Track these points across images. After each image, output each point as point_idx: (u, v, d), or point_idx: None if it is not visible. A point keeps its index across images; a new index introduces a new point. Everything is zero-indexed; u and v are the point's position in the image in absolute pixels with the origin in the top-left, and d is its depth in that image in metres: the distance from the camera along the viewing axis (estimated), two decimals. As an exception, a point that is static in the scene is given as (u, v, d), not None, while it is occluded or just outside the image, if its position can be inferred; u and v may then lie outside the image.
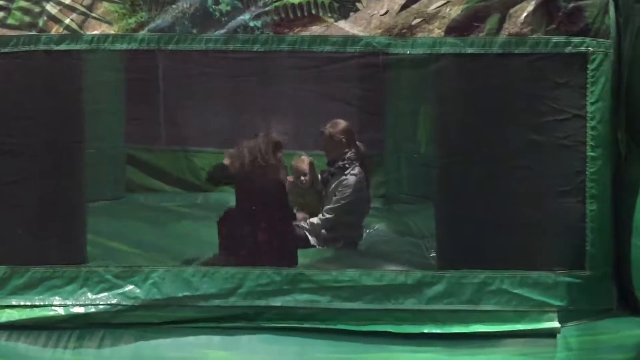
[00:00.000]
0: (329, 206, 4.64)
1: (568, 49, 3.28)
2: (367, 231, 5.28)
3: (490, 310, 3.30)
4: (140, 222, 5.31)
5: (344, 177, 4.66)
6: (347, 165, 4.67)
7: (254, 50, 3.37)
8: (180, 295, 3.35)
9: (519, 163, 3.32)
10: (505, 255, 3.34)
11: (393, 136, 6.39)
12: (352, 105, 6.44)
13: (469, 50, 3.30)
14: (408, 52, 3.35)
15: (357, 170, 4.67)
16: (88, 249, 4.26)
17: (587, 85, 3.28)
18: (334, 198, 4.65)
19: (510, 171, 3.33)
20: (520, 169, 3.32)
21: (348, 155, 4.70)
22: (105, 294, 3.36)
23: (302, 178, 4.93)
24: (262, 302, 3.35)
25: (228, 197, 6.58)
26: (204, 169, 6.71)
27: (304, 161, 5.02)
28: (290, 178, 5.01)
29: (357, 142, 4.80)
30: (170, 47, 3.36)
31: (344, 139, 4.72)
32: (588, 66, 3.27)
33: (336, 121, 4.79)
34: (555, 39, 3.27)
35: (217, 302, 3.34)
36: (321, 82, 6.51)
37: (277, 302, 3.35)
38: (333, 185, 4.68)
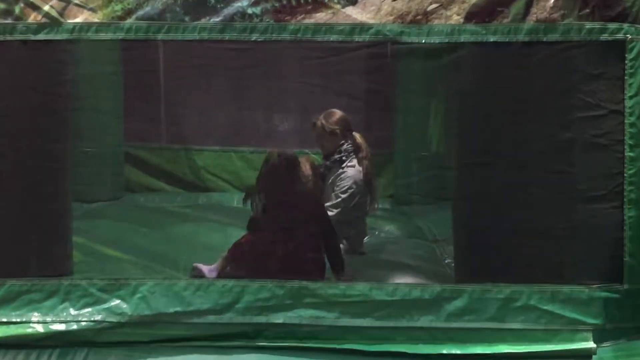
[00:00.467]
0: (328, 203, 4.23)
1: (604, 37, 2.88)
2: (377, 233, 4.91)
3: (517, 329, 2.91)
4: (137, 225, 4.94)
5: (341, 170, 4.24)
6: (344, 158, 4.26)
7: (252, 40, 2.98)
8: (171, 310, 2.97)
9: (548, 165, 2.92)
10: (533, 267, 2.95)
11: (403, 133, 6.01)
12: (359, 100, 6.10)
13: (492, 39, 2.90)
14: (423, 41, 2.95)
15: (354, 162, 4.25)
16: (78, 255, 3.96)
17: (625, 77, 2.87)
18: (333, 194, 4.24)
19: (538, 174, 2.92)
20: (549, 172, 2.92)
21: (344, 147, 4.28)
22: (89, 309, 2.98)
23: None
24: (262, 319, 2.96)
25: (230, 197, 6.25)
26: (205, 168, 6.40)
27: (304, 163, 4.60)
28: None
29: (353, 133, 4.36)
30: (160, 36, 2.97)
31: (338, 130, 4.28)
32: (626, 55, 2.87)
33: (330, 111, 4.35)
34: (589, 25, 2.88)
35: (212, 318, 2.96)
36: (326, 74, 6.18)
37: (278, 318, 2.96)
38: (330, 180, 4.27)
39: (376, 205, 4.48)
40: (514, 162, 2.93)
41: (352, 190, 4.18)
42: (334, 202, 4.20)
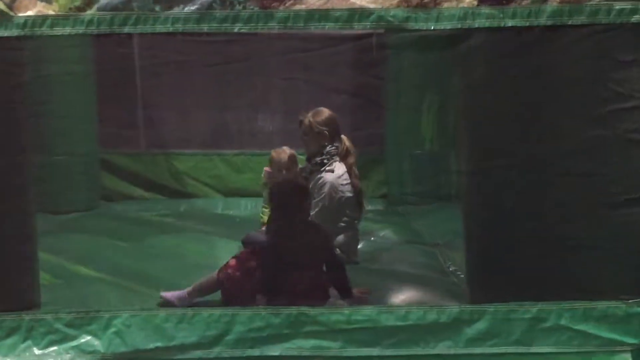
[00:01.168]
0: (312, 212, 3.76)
1: (635, 18, 2.46)
2: (371, 239, 4.48)
3: (547, 352, 2.48)
4: (113, 238, 4.46)
5: (319, 175, 3.77)
6: (325, 161, 3.78)
7: (235, 30, 2.52)
8: (150, 346, 2.50)
9: (576, 165, 2.48)
10: (562, 282, 2.52)
11: (394, 130, 5.58)
12: (348, 95, 5.66)
13: (510, 23, 2.47)
14: (432, 28, 2.51)
15: (334, 165, 3.77)
16: (47, 277, 3.49)
17: (662, 63, 2.47)
18: (314, 201, 3.73)
19: (564, 176, 2.49)
20: (577, 174, 2.48)
21: (328, 149, 3.79)
22: (55, 347, 2.51)
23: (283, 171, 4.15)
24: (255, 352, 2.51)
25: (214, 203, 5.78)
26: (186, 173, 5.93)
27: (285, 152, 4.23)
28: (267, 168, 4.25)
29: (342, 136, 3.89)
30: (127, 29, 2.49)
31: (326, 131, 3.80)
32: (662, 39, 2.46)
33: (319, 110, 3.87)
34: (619, 5, 2.44)
35: (198, 353, 2.50)
36: (312, 68, 5.72)
37: (275, 350, 2.51)
38: (311, 185, 3.78)
39: (364, 209, 4.02)
40: (535, 163, 2.49)
41: (329, 199, 3.71)
42: (314, 211, 3.67)
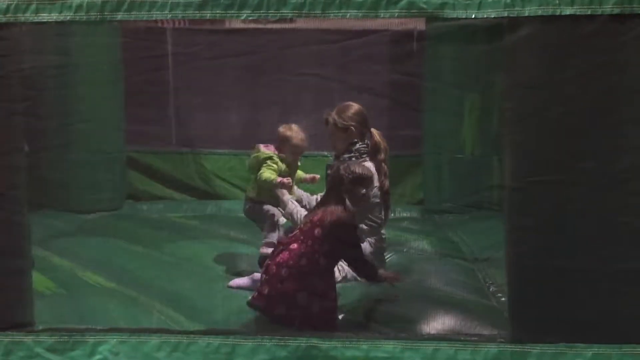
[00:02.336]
0: None
1: None
2: (404, 250, 4.04)
3: (604, 406, 2.04)
4: (131, 243, 4.15)
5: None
6: (353, 159, 3.36)
7: (242, 17, 2.14)
8: (140, 378, 2.18)
9: (645, 182, 2.04)
10: (622, 321, 2.07)
11: (433, 133, 5.13)
12: (383, 94, 5.23)
13: (567, 11, 2.02)
14: (473, 16, 2.08)
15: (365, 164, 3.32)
16: (51, 287, 3.21)
17: None
18: None
19: (631, 195, 2.04)
20: (646, 191, 2.04)
21: (357, 146, 3.40)
22: (35, 375, 2.21)
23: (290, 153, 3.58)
24: (258, 389, 2.15)
25: (241, 205, 5.43)
26: (214, 173, 5.61)
27: (300, 137, 3.61)
28: (262, 146, 3.62)
29: (372, 130, 3.46)
30: (119, 16, 2.15)
31: (353, 127, 3.40)
32: None
33: (345, 104, 3.48)
34: (703, -11, 1.98)
35: (193, 388, 2.16)
36: (343, 65, 5.31)
37: (280, 387, 2.15)
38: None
39: (390, 213, 3.58)
40: (596, 180, 2.04)
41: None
42: None
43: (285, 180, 3.44)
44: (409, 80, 4.87)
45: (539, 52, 2.08)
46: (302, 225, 2.80)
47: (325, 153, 5.41)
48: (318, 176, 3.70)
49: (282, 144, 3.59)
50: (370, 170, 3.12)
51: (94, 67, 4.87)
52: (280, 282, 2.53)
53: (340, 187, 2.80)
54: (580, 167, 2.04)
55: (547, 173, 2.08)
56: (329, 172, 3.51)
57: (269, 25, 5.84)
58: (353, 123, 3.41)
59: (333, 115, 3.44)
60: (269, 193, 3.48)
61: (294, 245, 2.63)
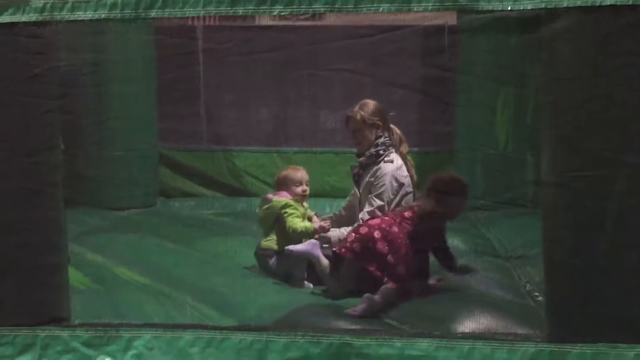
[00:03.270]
0: (366, 209, 3.33)
1: None
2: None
3: (646, 409, 1.99)
4: (164, 239, 4.18)
5: (376, 167, 3.37)
6: (380, 152, 3.39)
7: (275, 13, 2.13)
8: (174, 373, 2.19)
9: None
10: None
11: (465, 128, 5.06)
12: (414, 89, 5.19)
13: (608, 1, 1.96)
14: (509, 8, 2.04)
15: (392, 156, 3.40)
16: (86, 282, 3.25)
17: None
18: (370, 196, 3.35)
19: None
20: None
21: (382, 140, 3.42)
22: (71, 369, 2.24)
23: (297, 188, 3.45)
24: (291, 385, 2.15)
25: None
26: (245, 170, 5.63)
27: (299, 170, 3.53)
28: (270, 195, 3.51)
29: (391, 125, 3.50)
30: (153, 13, 2.16)
31: (378, 122, 3.43)
32: None
33: (365, 102, 3.51)
34: None
35: (226, 384, 2.17)
36: (375, 60, 5.27)
37: (313, 385, 2.14)
38: (366, 180, 3.39)
39: None
40: None
41: (393, 190, 3.34)
42: (371, 208, 3.32)
43: (323, 223, 3.34)
44: (442, 75, 4.82)
45: (579, 43, 2.02)
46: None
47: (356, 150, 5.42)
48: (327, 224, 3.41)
49: (286, 186, 3.48)
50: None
51: (128, 64, 4.94)
52: (371, 241, 2.83)
53: (443, 192, 3.04)
54: (623, 162, 1.98)
55: (588, 168, 2.02)
56: (354, 172, 3.54)
57: (299, 23, 5.86)
58: (377, 118, 3.44)
59: (360, 112, 3.44)
60: (297, 239, 3.28)
61: (386, 217, 3.00)
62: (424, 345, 2.11)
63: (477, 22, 3.86)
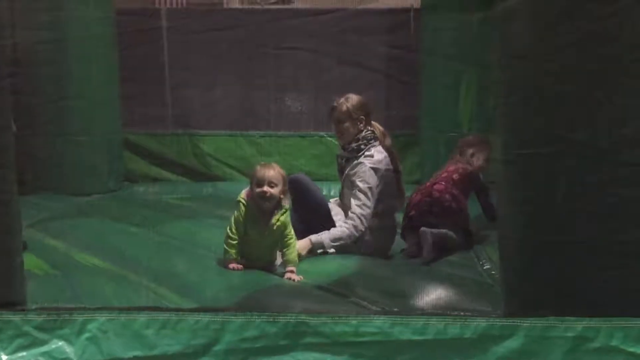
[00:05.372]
0: (355, 202, 3.38)
1: None
2: (399, 232, 4.03)
3: (593, 379, 2.03)
4: (128, 224, 4.13)
5: (357, 162, 3.43)
6: (362, 147, 3.45)
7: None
8: (129, 355, 2.15)
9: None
10: (615, 296, 2.05)
11: (429, 111, 5.08)
12: (377, 70, 5.19)
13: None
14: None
15: (373, 150, 3.44)
16: (45, 267, 3.19)
17: None
18: (353, 192, 3.41)
19: (628, 168, 2.00)
20: None
21: (363, 134, 3.48)
22: (24, 353, 2.18)
23: (267, 189, 2.95)
24: (248, 365, 2.14)
25: (237, 186, 5.41)
26: (210, 154, 5.58)
27: (274, 168, 3.04)
28: (247, 192, 3.07)
29: (373, 123, 3.59)
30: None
31: (362, 116, 3.49)
32: None
33: (349, 96, 3.55)
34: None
35: (182, 364, 2.15)
36: (339, 40, 5.25)
37: (270, 364, 2.14)
38: (347, 173, 3.46)
39: (405, 197, 3.67)
40: (590, 152, 2.00)
41: (371, 185, 3.39)
42: (357, 202, 3.38)
43: (236, 265, 2.94)
44: (406, 56, 4.83)
45: (530, 21, 2.04)
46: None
47: (323, 133, 5.41)
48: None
49: (251, 183, 3.05)
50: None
51: (87, 43, 4.82)
52: (446, 201, 3.48)
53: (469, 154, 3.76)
54: (572, 139, 2.00)
55: (538, 145, 2.04)
56: (338, 162, 3.58)
57: (267, 7, 5.81)
58: (362, 112, 3.50)
59: (346, 104, 3.47)
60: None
61: (443, 183, 3.56)
62: (379, 322, 2.12)
63: (438, 1, 3.86)
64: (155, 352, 2.15)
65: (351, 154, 3.48)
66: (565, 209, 2.03)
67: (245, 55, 5.47)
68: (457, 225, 3.47)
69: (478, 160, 3.72)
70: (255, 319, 2.15)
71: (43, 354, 2.18)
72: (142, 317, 2.21)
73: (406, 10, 5.22)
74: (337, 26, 5.23)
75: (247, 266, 2.95)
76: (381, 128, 3.60)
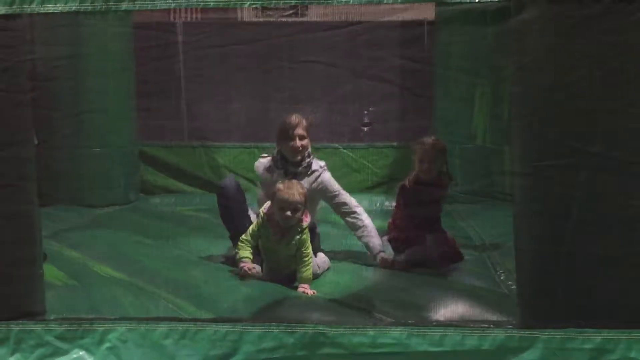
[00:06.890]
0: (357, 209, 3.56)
1: None
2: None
3: (613, 392, 2.02)
4: (143, 236, 4.16)
5: (316, 174, 3.57)
6: (311, 162, 3.59)
7: (246, 5, 2.13)
8: (148, 365, 2.18)
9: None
10: (634, 307, 2.04)
11: (442, 122, 5.09)
12: (391, 82, 5.22)
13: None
14: (477, 0, 2.06)
15: (320, 163, 3.64)
16: (63, 278, 3.22)
17: None
18: (339, 193, 3.58)
19: (638, 178, 2.01)
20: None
21: (309, 149, 3.61)
22: (45, 363, 2.22)
23: (289, 213, 2.95)
24: (266, 375, 2.15)
25: (252, 197, 5.44)
26: (225, 166, 5.61)
27: (297, 190, 3.01)
28: (265, 209, 3.09)
29: None
30: (124, 6, 2.15)
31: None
32: None
33: (295, 114, 3.63)
34: None
35: (201, 375, 2.16)
36: (352, 52, 5.29)
37: (288, 374, 2.15)
38: (310, 188, 3.44)
39: None
40: (606, 164, 2.01)
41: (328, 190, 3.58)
42: (352, 199, 3.62)
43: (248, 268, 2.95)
44: (419, 69, 4.85)
45: (545, 34, 2.05)
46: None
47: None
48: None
49: (272, 203, 3.04)
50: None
51: (105, 58, 4.89)
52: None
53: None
54: (588, 151, 2.00)
55: (554, 157, 2.05)
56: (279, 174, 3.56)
57: (281, 19, 5.86)
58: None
59: (304, 122, 3.52)
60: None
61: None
62: (396, 333, 2.13)
63: (452, 14, 3.88)
64: (175, 362, 2.17)
65: (304, 169, 3.52)
66: (582, 221, 2.03)
67: (260, 68, 5.51)
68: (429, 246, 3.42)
69: (421, 165, 3.49)
70: (274, 329, 2.16)
71: (64, 363, 2.20)
72: (162, 327, 2.22)
73: (420, 24, 5.25)
74: (352, 39, 5.27)
75: (270, 275, 3.01)
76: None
